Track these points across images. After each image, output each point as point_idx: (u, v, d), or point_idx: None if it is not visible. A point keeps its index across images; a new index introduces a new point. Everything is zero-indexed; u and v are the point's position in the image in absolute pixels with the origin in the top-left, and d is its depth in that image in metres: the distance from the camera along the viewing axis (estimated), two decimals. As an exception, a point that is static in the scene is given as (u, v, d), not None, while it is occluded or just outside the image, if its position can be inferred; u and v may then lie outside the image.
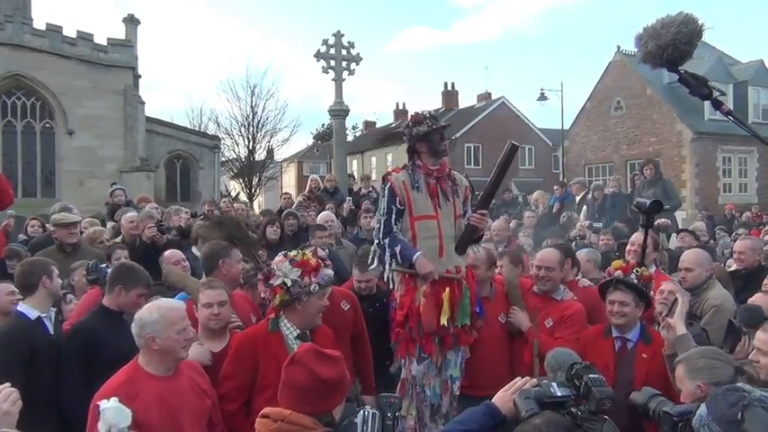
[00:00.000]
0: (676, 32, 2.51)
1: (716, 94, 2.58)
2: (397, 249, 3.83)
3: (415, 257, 3.79)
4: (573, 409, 2.10)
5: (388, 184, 3.95)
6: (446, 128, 4.13)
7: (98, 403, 2.61)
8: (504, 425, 2.30)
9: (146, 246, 6.28)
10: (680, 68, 2.59)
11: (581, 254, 5.48)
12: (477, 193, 4.47)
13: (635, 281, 3.83)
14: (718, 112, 2.67)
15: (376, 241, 4.00)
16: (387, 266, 3.91)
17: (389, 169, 4.22)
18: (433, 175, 3.97)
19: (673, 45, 2.52)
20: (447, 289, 3.80)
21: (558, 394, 2.16)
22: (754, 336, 3.19)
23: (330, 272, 3.61)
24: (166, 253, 5.33)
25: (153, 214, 7.16)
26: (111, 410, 2.56)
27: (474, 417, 2.33)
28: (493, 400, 2.37)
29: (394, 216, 3.90)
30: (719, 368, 2.69)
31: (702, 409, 1.90)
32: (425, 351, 3.86)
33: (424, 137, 3.99)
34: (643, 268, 4.00)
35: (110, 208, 9.11)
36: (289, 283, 3.41)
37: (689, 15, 2.55)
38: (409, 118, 4.15)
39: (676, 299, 3.48)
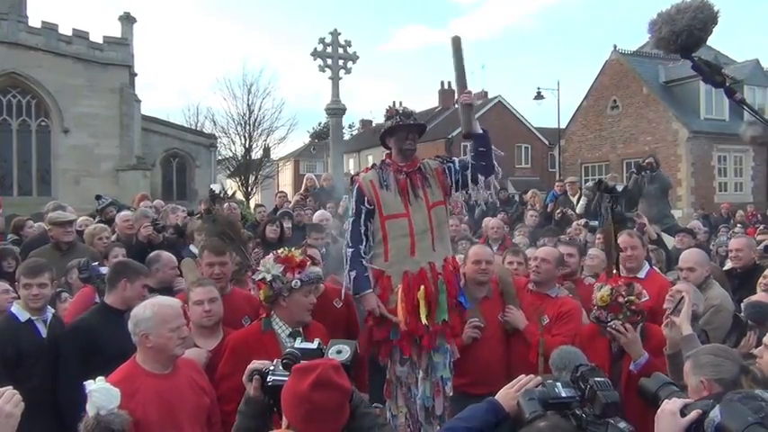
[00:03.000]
0: (692, 18, 2.47)
1: (729, 82, 2.55)
2: (353, 275, 3.78)
3: (363, 293, 3.77)
4: (578, 411, 2.05)
5: (356, 184, 3.90)
6: (413, 127, 3.91)
7: (84, 383, 2.55)
8: (507, 422, 2.26)
9: (142, 245, 6.26)
10: (693, 55, 2.56)
11: (589, 251, 5.62)
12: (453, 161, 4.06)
13: (627, 313, 3.62)
14: (728, 101, 2.65)
15: (345, 243, 3.92)
16: (346, 275, 3.86)
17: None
18: (402, 171, 3.86)
19: (687, 31, 2.47)
20: (422, 287, 3.74)
21: (563, 395, 2.10)
22: (760, 332, 3.21)
23: (317, 269, 3.61)
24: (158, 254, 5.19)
25: (148, 213, 7.13)
26: (98, 392, 2.49)
27: (476, 413, 2.28)
28: (496, 398, 2.31)
29: (363, 217, 3.82)
30: (724, 365, 2.65)
31: (716, 412, 1.86)
32: (404, 354, 3.82)
33: (391, 132, 3.91)
34: (631, 300, 3.63)
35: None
36: (268, 278, 3.43)
37: (704, 1, 2.51)
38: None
39: (682, 298, 3.41)
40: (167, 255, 5.07)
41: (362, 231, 3.81)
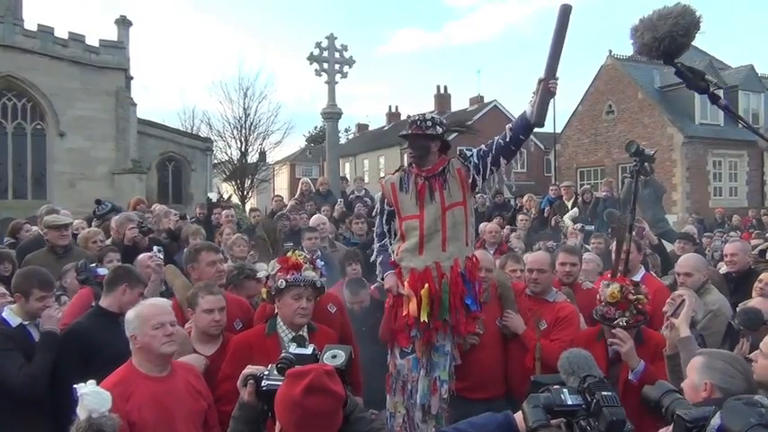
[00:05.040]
0: (673, 24, 2.46)
1: (713, 87, 2.55)
2: (379, 259, 4.12)
3: (385, 273, 4.05)
4: (582, 422, 1.99)
5: (381, 187, 4.15)
6: (416, 136, 3.92)
7: (75, 387, 2.52)
8: None
9: (127, 248, 6.00)
10: (676, 61, 2.55)
11: (584, 256, 5.57)
12: (473, 152, 4.03)
13: (633, 311, 3.63)
14: (715, 106, 2.65)
15: (374, 237, 4.27)
16: (378, 269, 4.15)
17: (383, 173, 4.29)
18: (422, 175, 3.92)
19: (670, 37, 2.46)
20: (426, 285, 3.81)
21: (569, 403, 2.04)
22: (753, 338, 3.20)
23: (311, 274, 3.60)
24: (141, 256, 5.13)
25: (132, 216, 7.04)
26: (89, 395, 2.47)
27: (489, 424, 2.24)
28: (515, 415, 2.23)
29: (385, 216, 4.13)
30: (736, 379, 2.61)
31: (717, 419, 1.83)
32: (400, 343, 3.87)
33: (404, 137, 4.05)
34: (639, 299, 3.64)
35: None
36: (262, 276, 3.48)
37: (686, 7, 2.49)
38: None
39: (683, 300, 3.42)
40: (141, 255, 5.05)
41: (385, 229, 4.16)
